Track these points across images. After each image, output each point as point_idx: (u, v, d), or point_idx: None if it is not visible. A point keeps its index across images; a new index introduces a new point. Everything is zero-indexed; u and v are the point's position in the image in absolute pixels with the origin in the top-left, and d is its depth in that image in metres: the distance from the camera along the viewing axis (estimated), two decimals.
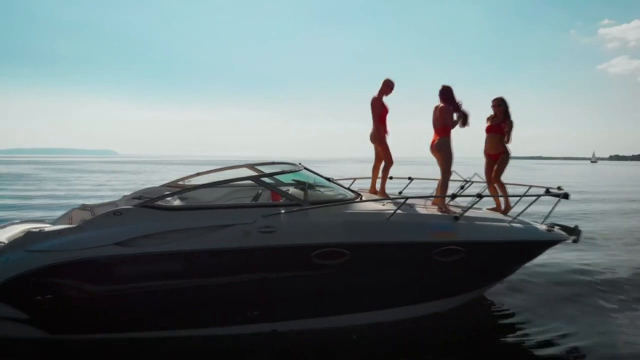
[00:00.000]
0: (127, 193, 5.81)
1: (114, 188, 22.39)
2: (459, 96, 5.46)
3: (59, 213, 5.79)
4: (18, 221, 5.52)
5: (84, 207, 5.66)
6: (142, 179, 30.60)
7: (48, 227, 4.49)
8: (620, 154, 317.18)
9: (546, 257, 6.17)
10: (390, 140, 5.72)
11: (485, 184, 5.83)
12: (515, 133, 5.67)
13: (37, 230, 4.30)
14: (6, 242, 4.38)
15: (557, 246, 5.51)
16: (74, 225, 4.38)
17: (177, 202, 4.73)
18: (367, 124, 5.75)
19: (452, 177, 5.48)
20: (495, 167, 5.75)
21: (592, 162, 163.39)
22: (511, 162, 5.78)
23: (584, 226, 5.76)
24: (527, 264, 5.68)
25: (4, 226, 5.21)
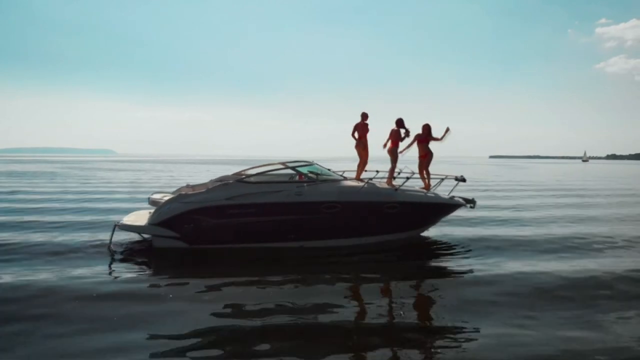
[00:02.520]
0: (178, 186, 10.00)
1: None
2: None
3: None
4: (154, 192, 9.86)
5: (187, 186, 9.91)
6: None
7: (188, 192, 8.79)
8: (618, 153, 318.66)
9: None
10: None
11: (411, 172, 9.92)
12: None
13: (184, 192, 8.59)
14: (165, 199, 8.63)
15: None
16: (204, 190, 8.60)
17: (252, 179, 8.88)
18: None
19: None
20: (425, 162, 9.93)
21: (583, 161, 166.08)
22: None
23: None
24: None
25: (152, 193, 9.54)
